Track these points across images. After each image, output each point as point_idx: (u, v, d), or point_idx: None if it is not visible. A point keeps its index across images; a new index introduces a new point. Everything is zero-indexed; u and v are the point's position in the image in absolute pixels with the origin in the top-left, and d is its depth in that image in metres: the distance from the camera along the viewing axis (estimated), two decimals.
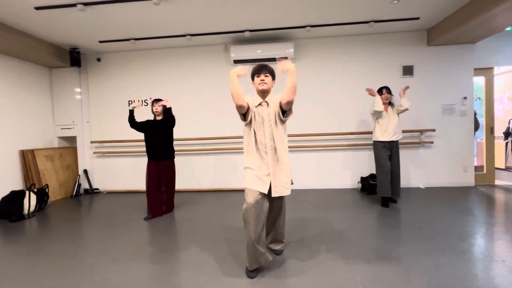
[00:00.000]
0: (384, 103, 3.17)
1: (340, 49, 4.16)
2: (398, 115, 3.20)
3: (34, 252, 2.26)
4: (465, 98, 4.01)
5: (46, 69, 4.39)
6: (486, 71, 4.16)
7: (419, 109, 4.07)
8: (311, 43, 4.19)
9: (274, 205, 1.99)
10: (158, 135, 3.05)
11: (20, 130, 3.92)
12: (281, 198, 1.98)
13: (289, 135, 4.19)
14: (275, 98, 1.86)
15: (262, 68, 1.87)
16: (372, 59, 4.12)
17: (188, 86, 4.39)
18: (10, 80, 3.80)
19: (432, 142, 4.04)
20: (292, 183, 1.93)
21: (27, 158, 3.89)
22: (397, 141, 3.19)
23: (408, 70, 4.06)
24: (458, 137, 4.05)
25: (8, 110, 3.76)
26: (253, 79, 1.92)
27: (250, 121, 1.84)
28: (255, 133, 1.84)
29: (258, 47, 4.01)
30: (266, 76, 1.86)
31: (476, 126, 4.23)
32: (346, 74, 4.16)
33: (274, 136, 1.83)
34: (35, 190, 3.51)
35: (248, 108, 1.80)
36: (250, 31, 3.82)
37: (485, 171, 4.20)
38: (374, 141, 3.25)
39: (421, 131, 4.03)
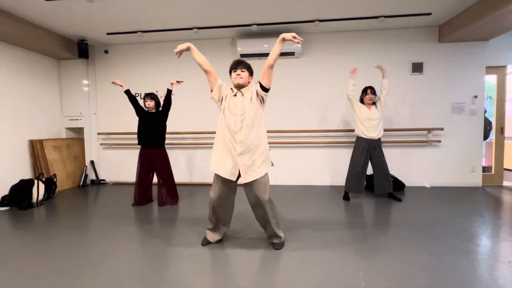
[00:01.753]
0: (368, 103, 3.18)
1: (348, 45, 4.09)
2: (380, 113, 3.17)
3: (42, 239, 2.32)
4: (476, 97, 3.92)
5: (54, 60, 4.44)
6: (498, 69, 4.05)
7: (427, 107, 4.00)
8: (319, 39, 4.13)
9: (250, 195, 2.00)
10: (150, 126, 3.13)
11: (29, 120, 3.98)
12: (256, 188, 1.94)
13: (294, 131, 4.17)
14: (251, 90, 1.96)
15: (238, 63, 2.00)
16: (380, 55, 4.05)
17: (195, 79, 4.39)
18: (20, 71, 3.85)
19: (439, 141, 3.97)
20: (272, 165, 2.04)
21: (36, 148, 3.96)
22: (379, 139, 3.19)
23: (417, 67, 3.98)
24: (467, 137, 3.98)
25: (18, 100, 3.82)
26: (230, 74, 2.03)
27: (221, 104, 1.99)
28: (224, 118, 1.95)
29: (265, 41, 3.97)
30: (242, 71, 1.97)
31: (489, 126, 4.14)
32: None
33: (244, 125, 1.90)
34: (44, 179, 3.58)
35: (215, 84, 1.99)
36: (258, 25, 3.78)
37: (493, 172, 4.13)
38: (356, 137, 3.29)
39: (429, 130, 3.97)
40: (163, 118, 3.19)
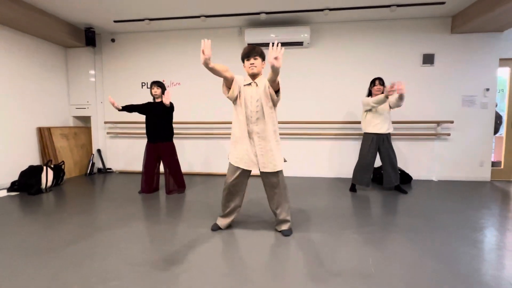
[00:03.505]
0: (375, 95, 3.12)
1: (358, 35, 4.02)
2: (390, 108, 3.12)
3: (53, 222, 2.35)
4: (488, 89, 3.84)
5: (62, 48, 4.44)
6: None
7: (437, 100, 3.94)
8: (328, 28, 4.06)
9: (267, 181, 2.05)
10: (158, 117, 3.08)
11: (37, 108, 4.01)
12: (274, 175, 2.01)
13: (304, 122, 4.15)
14: (265, 80, 1.92)
15: (251, 51, 1.94)
16: (391, 46, 3.97)
17: (201, 69, 4.36)
18: (28, 58, 3.86)
19: (449, 134, 3.92)
20: (285, 161, 2.06)
21: (44, 135, 4.00)
22: (388, 133, 3.14)
23: (428, 59, 3.90)
24: (477, 130, 3.92)
25: (26, 88, 3.84)
26: (243, 62, 1.99)
27: (236, 98, 1.96)
28: (241, 110, 1.96)
29: (273, 30, 3.92)
30: (255, 59, 1.94)
31: (499, 120, 4.06)
32: (362, 61, 4.04)
33: (260, 116, 1.93)
34: (52, 166, 3.62)
35: (233, 82, 1.94)
36: (266, 13, 3.72)
37: (502, 166, 4.08)
38: (364, 133, 3.25)
39: (438, 123, 3.91)
40: (169, 108, 3.13)
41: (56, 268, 1.64)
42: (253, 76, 1.97)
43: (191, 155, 4.50)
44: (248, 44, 3.99)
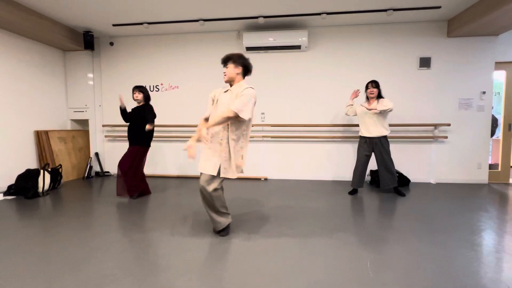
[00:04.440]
0: (370, 97, 3.17)
1: (355, 39, 4.05)
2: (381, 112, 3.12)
3: (50, 226, 2.33)
4: (484, 92, 3.88)
5: (60, 51, 4.44)
6: (508, 65, 4.00)
7: (434, 103, 3.96)
8: (325, 32, 4.10)
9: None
10: (137, 120, 3.07)
11: (35, 111, 4.00)
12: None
13: (302, 125, 4.15)
14: (240, 89, 1.97)
15: (223, 61, 2.04)
16: (387, 49, 4.01)
17: (200, 72, 4.38)
18: (26, 61, 3.86)
19: (446, 137, 3.94)
20: (242, 172, 2.07)
21: (41, 139, 3.98)
22: (381, 137, 3.15)
23: (425, 62, 3.94)
24: (474, 133, 3.94)
25: (24, 91, 3.84)
26: None
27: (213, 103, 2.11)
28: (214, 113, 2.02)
29: (271, 34, 3.94)
30: (226, 67, 2.02)
31: (495, 123, 4.09)
32: (360, 64, 4.07)
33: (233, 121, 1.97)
34: (49, 169, 3.60)
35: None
36: (264, 17, 3.75)
37: (499, 169, 4.10)
38: (359, 136, 3.34)
39: (435, 125, 3.93)
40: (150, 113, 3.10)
41: (52, 272, 1.63)
42: (229, 83, 2.06)
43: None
44: (246, 48, 4.02)
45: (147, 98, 3.16)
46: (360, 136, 3.31)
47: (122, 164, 3.07)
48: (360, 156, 3.28)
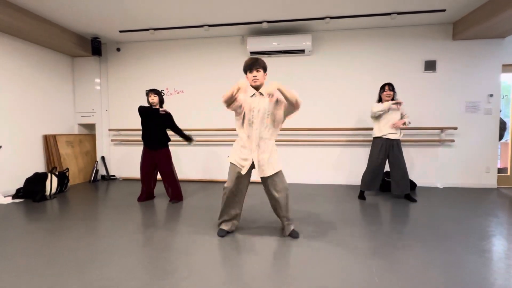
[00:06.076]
0: (386, 100, 3.10)
1: (359, 43, 4.05)
2: (401, 114, 3.11)
3: (56, 229, 2.36)
4: (491, 95, 3.82)
5: (68, 57, 4.54)
6: None
7: (440, 106, 3.92)
8: (329, 36, 4.11)
9: (267, 185, 2.09)
10: (156, 124, 3.12)
11: (43, 116, 4.09)
12: (273, 177, 2.05)
13: (308, 129, 4.14)
14: (268, 87, 1.95)
15: (253, 64, 1.99)
16: (392, 53, 3.99)
17: (204, 77, 4.42)
18: (36, 67, 3.96)
19: (453, 141, 3.89)
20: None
21: (50, 143, 4.06)
22: (398, 140, 3.11)
23: (430, 65, 3.91)
24: (481, 136, 3.88)
25: (34, 96, 3.93)
26: (245, 73, 2.05)
27: (241, 107, 2.05)
28: (244, 120, 2.04)
29: (275, 39, 3.97)
30: (257, 71, 2.00)
31: (503, 127, 4.02)
32: (364, 68, 4.06)
33: (261, 125, 2.01)
34: (57, 173, 3.66)
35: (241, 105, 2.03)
36: (268, 22, 3.78)
37: (509, 173, 4.01)
38: (373, 137, 3.23)
39: (442, 129, 3.88)
40: (168, 119, 3.20)
41: (58, 275, 1.64)
42: (256, 88, 2.05)
43: (197, 162, 4.51)
44: (250, 52, 4.06)
45: (161, 101, 3.22)
46: (376, 137, 3.17)
47: (166, 169, 3.16)
48: (375, 159, 3.13)
